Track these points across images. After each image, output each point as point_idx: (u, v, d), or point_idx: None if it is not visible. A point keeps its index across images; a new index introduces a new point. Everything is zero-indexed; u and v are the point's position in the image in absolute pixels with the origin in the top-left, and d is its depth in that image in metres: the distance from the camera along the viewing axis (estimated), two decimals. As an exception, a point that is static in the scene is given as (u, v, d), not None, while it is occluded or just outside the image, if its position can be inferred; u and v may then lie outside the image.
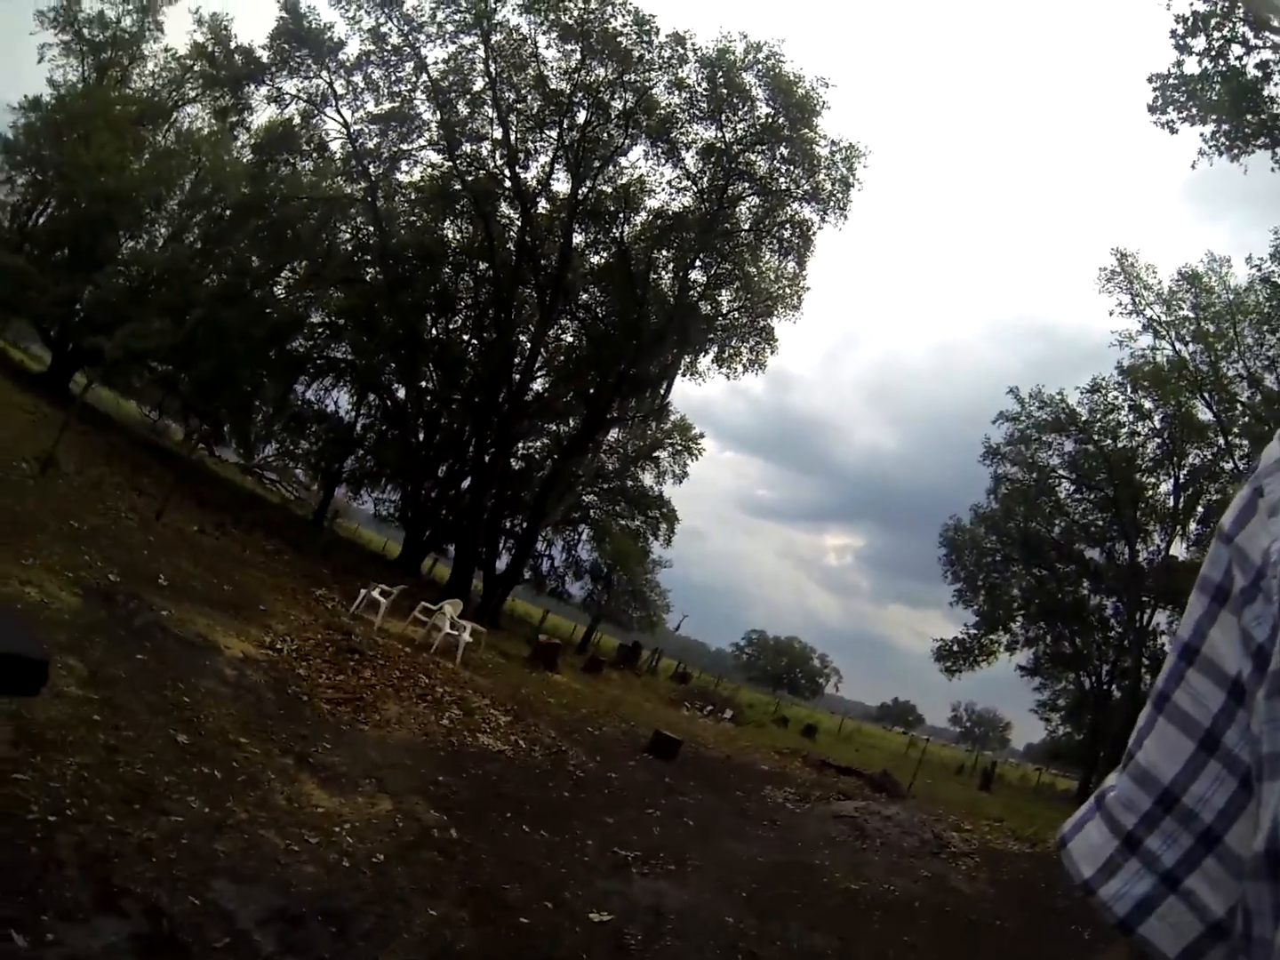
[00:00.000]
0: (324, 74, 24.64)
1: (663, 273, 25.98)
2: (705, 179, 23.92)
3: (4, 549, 6.36)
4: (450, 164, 24.85)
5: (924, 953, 6.09)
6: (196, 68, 30.15)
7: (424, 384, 28.29)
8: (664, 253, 25.55)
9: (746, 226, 24.72)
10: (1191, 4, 13.54)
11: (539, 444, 30.16)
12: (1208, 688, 0.58)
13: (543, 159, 24.99)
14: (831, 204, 23.29)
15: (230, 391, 24.15)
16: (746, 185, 23.92)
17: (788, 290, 25.79)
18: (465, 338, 28.93)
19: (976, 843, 11.01)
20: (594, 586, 33.48)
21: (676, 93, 23.29)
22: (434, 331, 28.11)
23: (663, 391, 26.40)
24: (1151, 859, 0.59)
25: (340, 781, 5.08)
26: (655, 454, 31.36)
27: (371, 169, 25.32)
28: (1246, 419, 25.89)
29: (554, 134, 24.25)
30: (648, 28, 22.54)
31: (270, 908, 3.21)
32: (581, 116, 23.87)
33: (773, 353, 27.24)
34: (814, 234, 24.20)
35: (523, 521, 27.92)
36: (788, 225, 24.33)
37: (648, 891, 5.51)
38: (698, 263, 24.86)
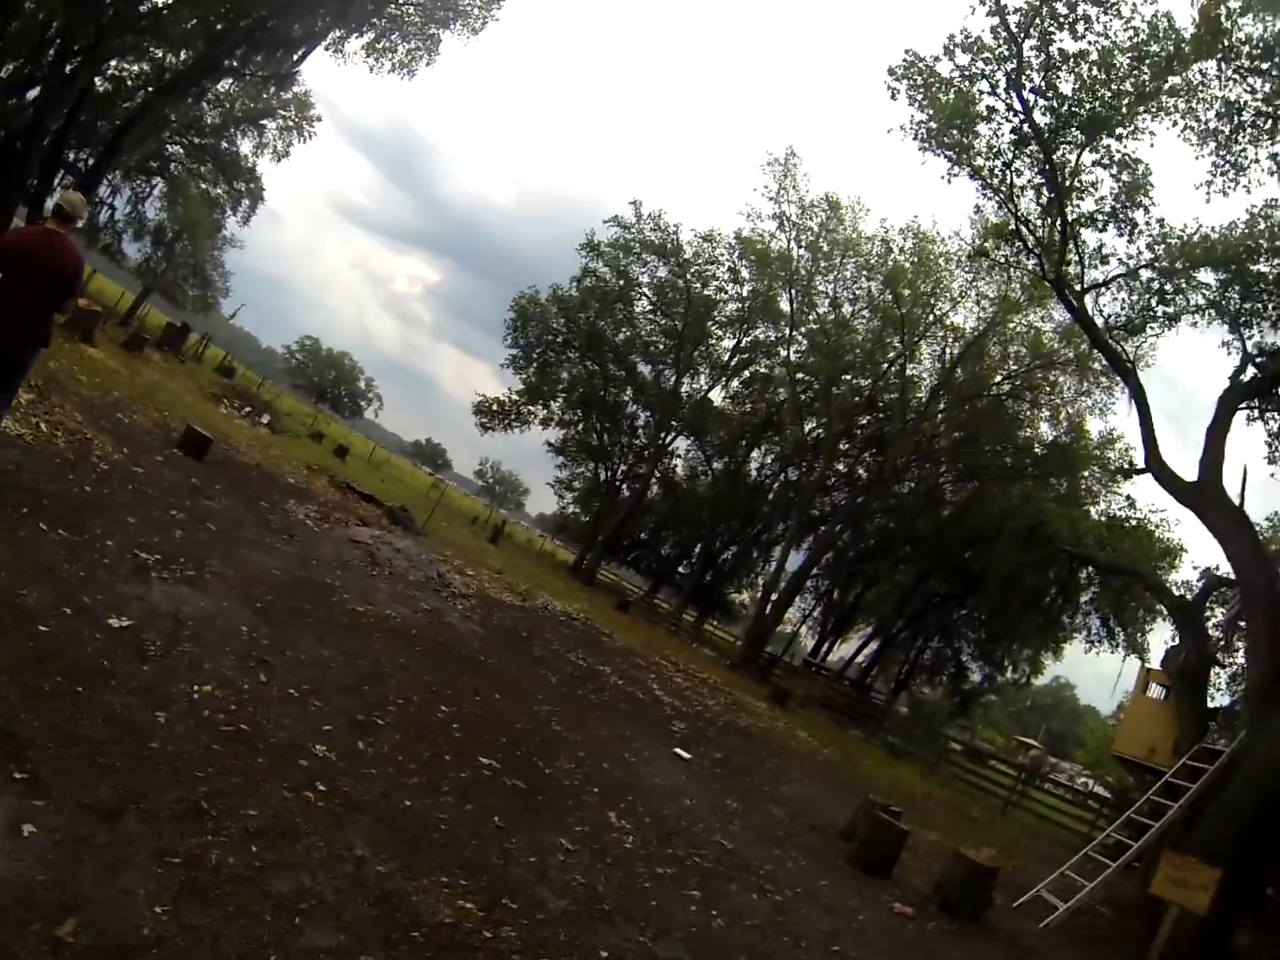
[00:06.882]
0: None
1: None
2: None
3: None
4: None
5: (416, 673, 7.10)
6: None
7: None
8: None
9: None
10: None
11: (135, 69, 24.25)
12: None
13: None
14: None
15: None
16: None
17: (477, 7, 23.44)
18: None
19: (476, 588, 12.43)
20: (153, 251, 29.36)
21: None
22: None
23: (297, 56, 22.90)
24: None
25: None
26: (263, 121, 27.44)
27: None
28: (814, 324, 32.09)
29: None
30: None
31: None
32: None
33: (429, 64, 24.81)
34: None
35: (89, 157, 22.81)
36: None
37: (168, 597, 5.64)
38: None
